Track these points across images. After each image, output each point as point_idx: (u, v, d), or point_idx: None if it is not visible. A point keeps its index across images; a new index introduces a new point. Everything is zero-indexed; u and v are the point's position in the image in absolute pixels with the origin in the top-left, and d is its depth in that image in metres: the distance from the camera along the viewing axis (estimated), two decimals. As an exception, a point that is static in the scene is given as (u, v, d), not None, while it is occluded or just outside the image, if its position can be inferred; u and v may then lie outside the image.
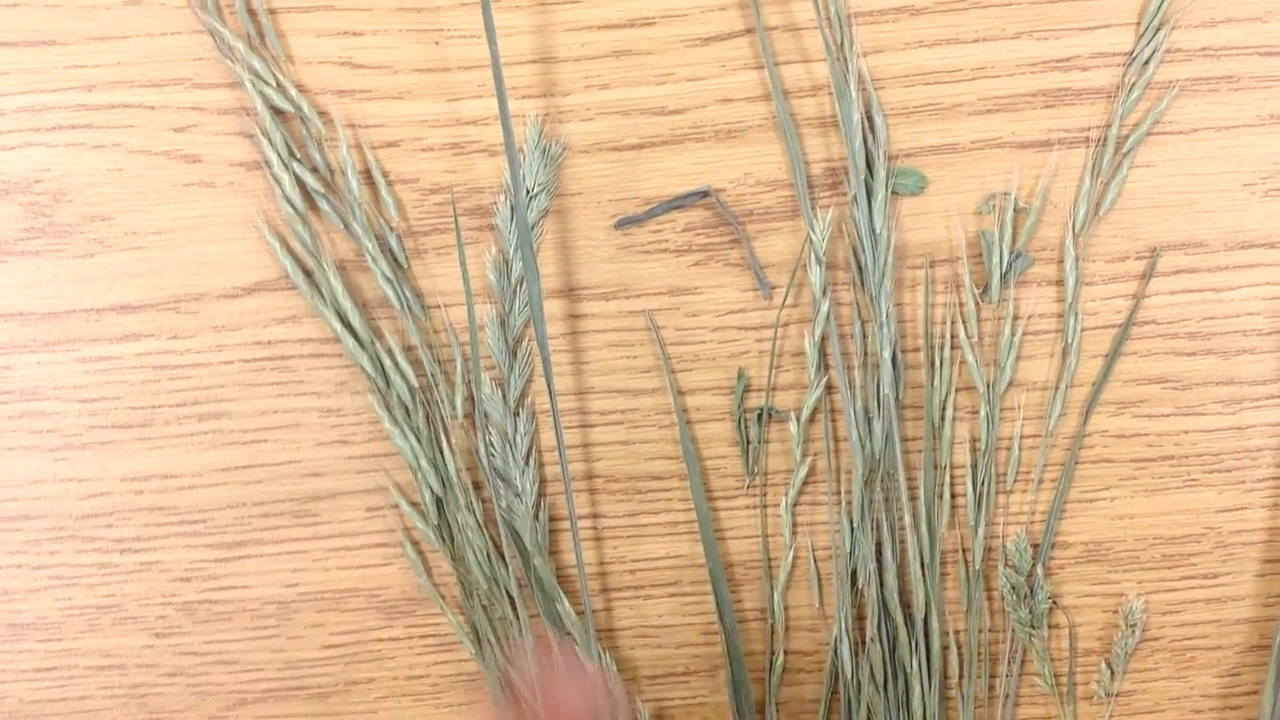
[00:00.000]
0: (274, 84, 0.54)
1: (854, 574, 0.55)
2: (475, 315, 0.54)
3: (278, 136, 0.54)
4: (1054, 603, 0.56)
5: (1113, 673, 0.56)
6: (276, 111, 0.54)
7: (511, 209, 0.54)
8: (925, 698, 0.55)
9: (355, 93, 0.55)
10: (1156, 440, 0.56)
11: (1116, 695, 0.57)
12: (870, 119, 0.55)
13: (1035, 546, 0.55)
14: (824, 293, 0.55)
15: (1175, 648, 0.56)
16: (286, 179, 0.54)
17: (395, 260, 0.55)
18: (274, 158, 0.54)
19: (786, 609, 0.57)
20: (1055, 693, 0.56)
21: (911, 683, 0.55)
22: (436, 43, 0.55)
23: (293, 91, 0.54)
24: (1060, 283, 0.55)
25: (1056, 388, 0.55)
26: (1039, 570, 0.55)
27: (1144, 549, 0.56)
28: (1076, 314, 0.55)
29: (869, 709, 0.55)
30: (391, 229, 0.55)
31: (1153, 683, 0.57)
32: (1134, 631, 0.55)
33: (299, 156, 0.54)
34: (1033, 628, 0.55)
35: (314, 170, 0.54)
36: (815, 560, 0.56)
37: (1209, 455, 0.56)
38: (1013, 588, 0.55)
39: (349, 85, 0.55)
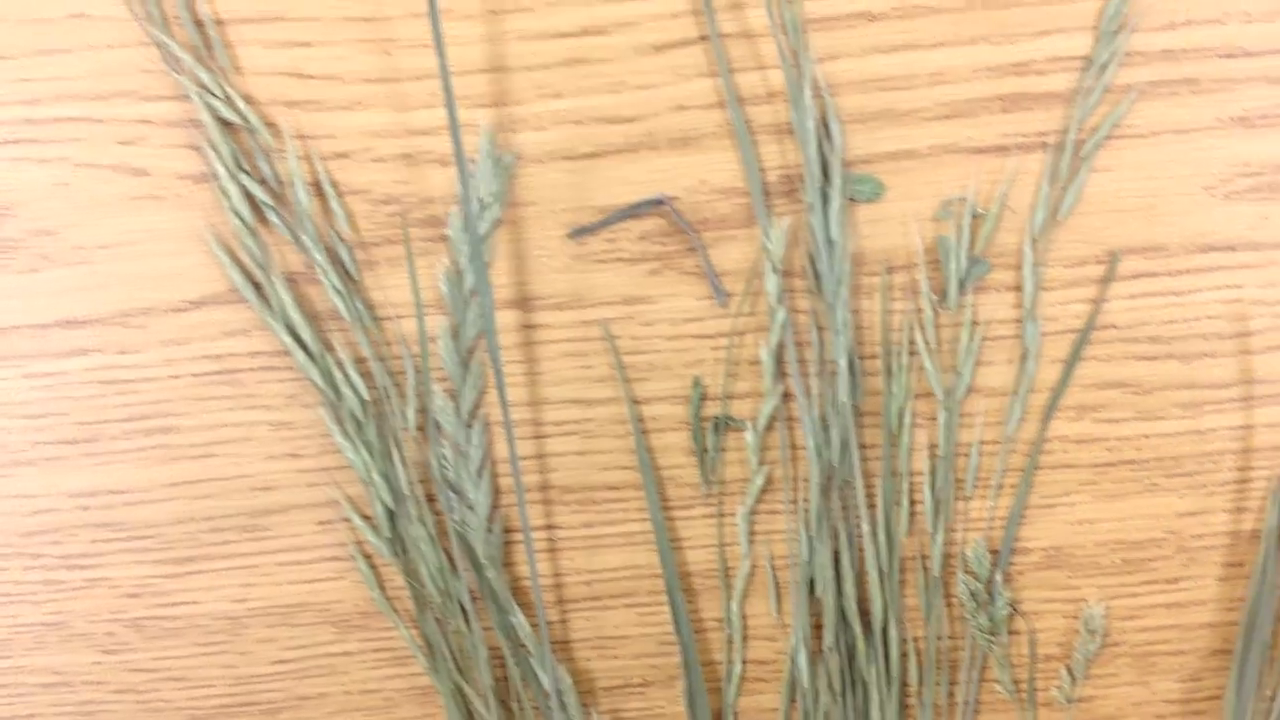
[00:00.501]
0: (221, 96, 0.63)
1: (812, 583, 0.65)
2: (427, 327, 0.64)
3: (225, 149, 0.63)
4: (1013, 609, 0.65)
5: (1073, 678, 0.65)
6: (224, 123, 0.63)
7: (464, 220, 0.63)
8: (884, 706, 0.65)
9: (304, 104, 0.64)
10: (1117, 445, 0.65)
11: (1077, 701, 0.66)
12: (826, 126, 0.64)
13: (994, 553, 0.65)
14: (780, 300, 0.64)
15: (1137, 653, 0.66)
16: (234, 191, 0.63)
17: (346, 272, 0.64)
18: (222, 170, 0.63)
19: (744, 618, 0.66)
20: (1015, 699, 0.66)
21: (870, 691, 0.65)
22: (387, 53, 0.64)
23: (240, 103, 0.63)
24: (1019, 288, 0.65)
25: (1015, 393, 0.65)
26: (998, 577, 0.65)
27: (1105, 554, 0.66)
28: (1035, 319, 0.64)
29: (827, 718, 0.65)
30: (342, 240, 0.64)
31: (1114, 688, 0.66)
32: (1094, 637, 0.65)
33: (247, 169, 0.63)
34: (992, 634, 0.64)
35: (262, 182, 0.63)
36: (773, 569, 0.66)
37: (1170, 459, 0.65)
38: (972, 594, 0.64)
39: (298, 96, 0.64)
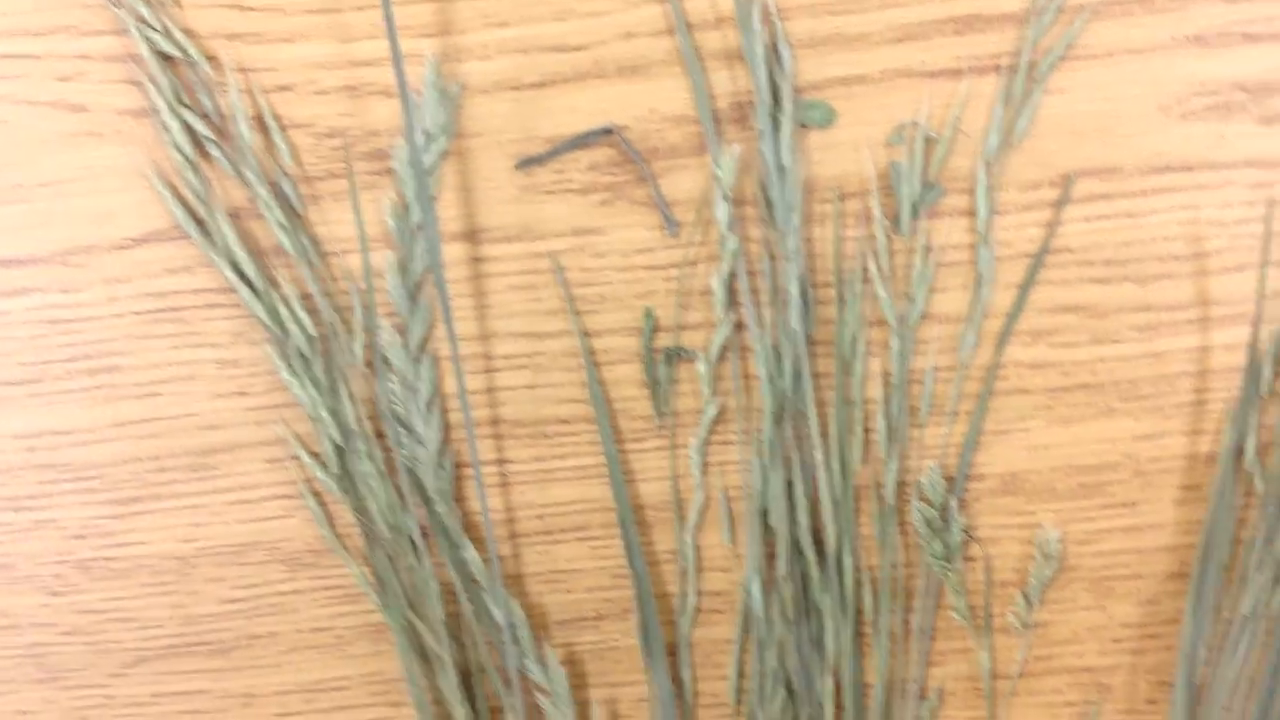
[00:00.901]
0: (161, 29, 0.70)
1: (765, 512, 0.73)
2: (371, 261, 0.71)
3: (165, 83, 0.70)
4: (968, 535, 0.74)
5: (1029, 604, 0.74)
6: (164, 57, 0.70)
7: (409, 152, 0.71)
8: (839, 635, 0.74)
9: (245, 36, 0.71)
10: (1072, 369, 0.73)
11: (1034, 627, 0.75)
12: (776, 51, 0.71)
13: (949, 479, 0.74)
14: (731, 229, 0.72)
15: (1093, 577, 0.75)
16: (175, 126, 0.70)
17: (290, 207, 0.72)
18: (162, 105, 0.70)
19: (698, 550, 0.75)
20: (971, 626, 0.75)
21: (825, 620, 0.73)
22: (326, -20, 0.71)
23: (180, 36, 0.70)
24: (973, 213, 0.73)
25: (970, 319, 0.73)
26: (952, 503, 0.73)
27: (1060, 479, 0.74)
28: (989, 244, 0.72)
29: (781, 647, 0.74)
30: (286, 175, 0.72)
31: (1071, 613, 0.75)
32: (1050, 562, 0.73)
33: (188, 103, 0.71)
34: (947, 561, 0.73)
35: (204, 117, 0.71)
36: (726, 500, 0.74)
37: (1125, 383, 0.73)
38: (926, 521, 0.73)
39: (239, 28, 0.71)
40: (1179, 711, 0.68)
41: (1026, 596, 0.70)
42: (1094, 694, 0.72)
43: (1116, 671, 0.72)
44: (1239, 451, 0.69)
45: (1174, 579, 0.71)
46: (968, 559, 0.71)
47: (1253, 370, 0.68)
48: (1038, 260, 0.68)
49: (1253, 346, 0.68)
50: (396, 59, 0.64)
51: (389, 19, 0.64)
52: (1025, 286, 0.69)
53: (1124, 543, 0.71)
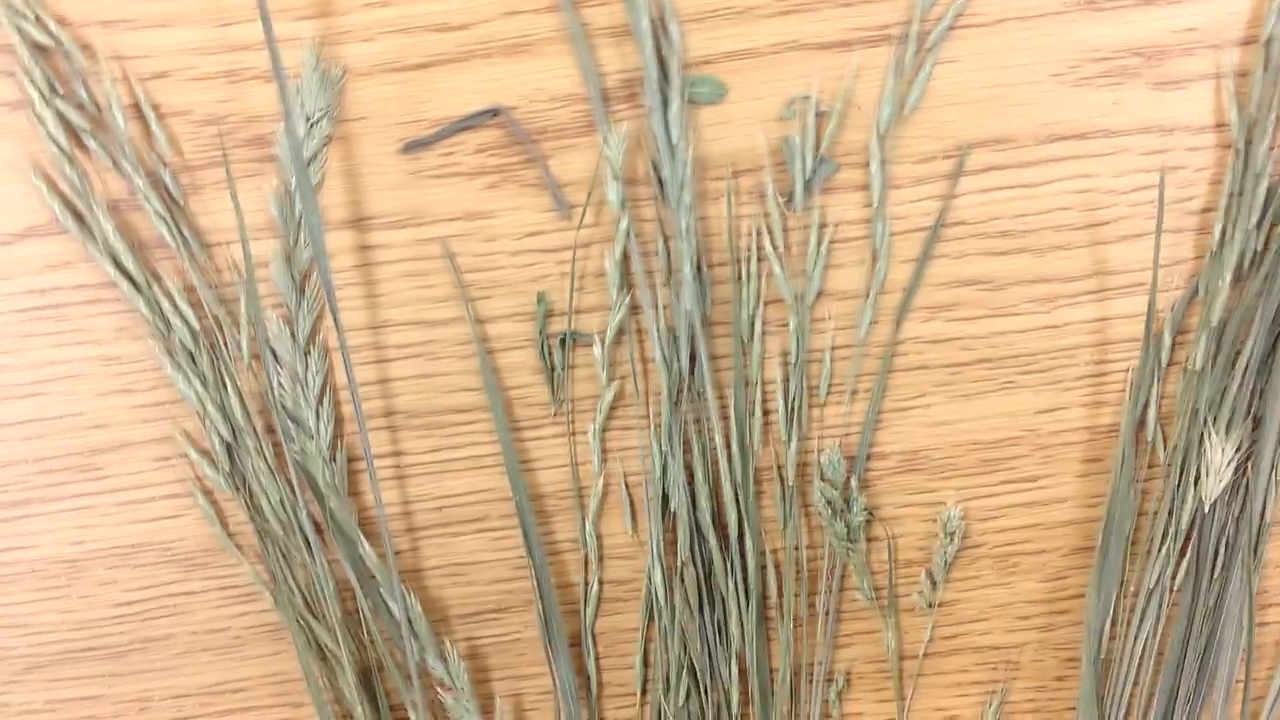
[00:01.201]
0: (32, 18, 0.68)
1: (666, 498, 0.72)
2: (256, 251, 0.70)
3: (38, 73, 0.68)
4: (871, 515, 0.73)
5: (934, 583, 0.73)
6: (37, 47, 0.68)
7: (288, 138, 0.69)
8: (743, 620, 0.72)
9: (120, 22, 0.69)
10: (970, 344, 0.72)
11: (939, 605, 0.74)
12: (664, 26, 0.70)
13: (850, 459, 0.73)
14: (623, 209, 0.70)
15: (998, 554, 0.74)
16: (50, 117, 0.68)
17: (170, 197, 0.70)
18: (36, 96, 0.68)
19: (600, 538, 0.73)
20: (876, 607, 0.74)
21: (729, 605, 0.72)
22: (200, -36, 0.70)
23: (52, 25, 0.68)
24: (867, 186, 0.72)
25: (866, 295, 0.72)
26: (854, 483, 0.72)
27: (962, 455, 0.73)
28: (884, 218, 0.71)
29: (685, 634, 0.72)
30: (165, 164, 0.70)
31: (976, 590, 0.74)
32: (953, 540, 0.72)
33: (62, 93, 0.69)
34: (850, 542, 0.72)
35: (79, 107, 0.69)
36: (627, 486, 0.73)
37: (1025, 356, 0.73)
38: (828, 502, 0.72)
39: (113, 15, 0.69)
40: (1086, 687, 0.67)
41: (931, 575, 0.69)
42: (1002, 672, 0.71)
43: (1025, 649, 0.71)
44: (1140, 423, 0.67)
45: (1079, 554, 0.70)
46: (871, 539, 0.70)
47: (1152, 339, 0.67)
48: (933, 233, 0.68)
49: (1149, 316, 0.66)
50: (271, 43, 0.63)
51: (262, 1, 0.62)
52: (922, 261, 0.68)
53: (1027, 518, 0.70)
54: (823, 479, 0.68)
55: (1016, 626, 0.71)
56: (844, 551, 0.68)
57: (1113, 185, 0.67)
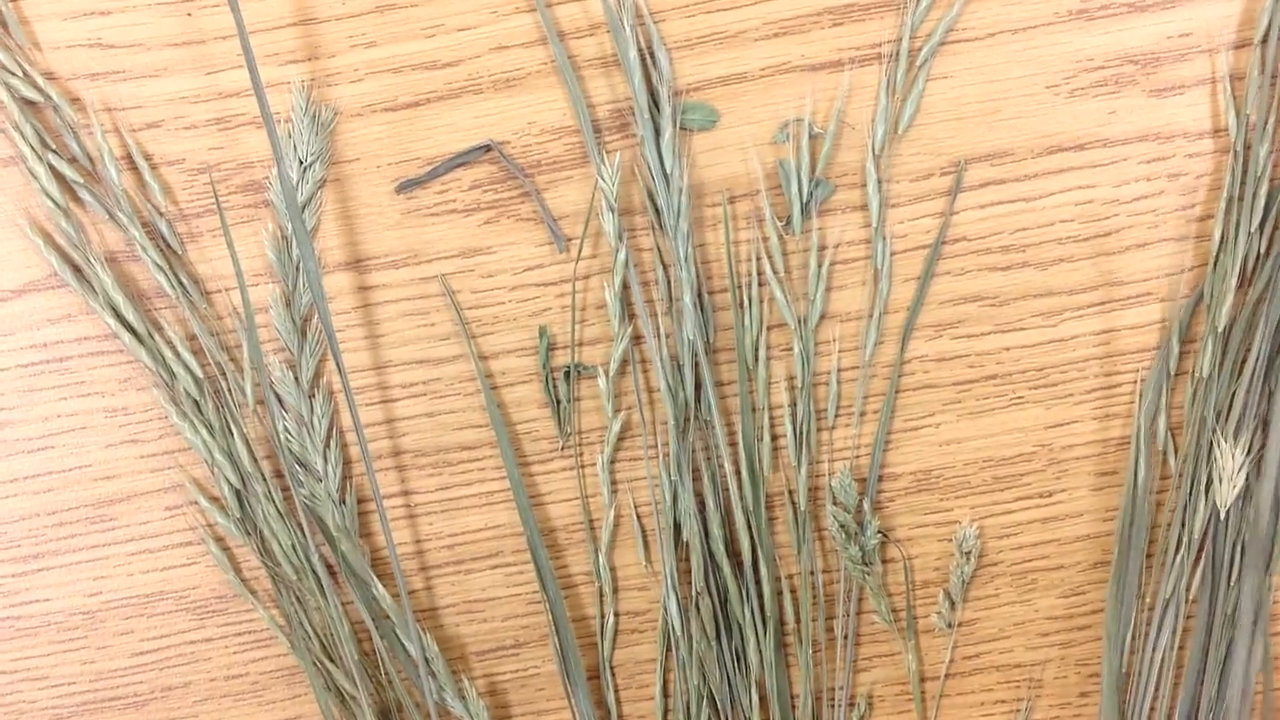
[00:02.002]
0: (20, 74, 0.68)
1: (678, 527, 0.71)
2: (251, 297, 0.67)
3: (29, 129, 0.68)
4: (884, 537, 0.72)
5: (952, 603, 0.72)
6: (26, 102, 0.68)
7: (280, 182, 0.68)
8: (761, 646, 0.71)
9: (108, 75, 0.69)
10: (978, 361, 0.71)
11: (958, 626, 0.73)
12: (652, 54, 0.69)
13: (861, 481, 0.71)
14: (620, 239, 0.69)
15: (1015, 571, 0.72)
16: (43, 172, 0.68)
17: (168, 247, 0.70)
18: (28, 151, 0.68)
19: (613, 570, 0.72)
20: (894, 629, 0.72)
21: (745, 633, 0.71)
22: (189, 14, 0.69)
23: (40, 80, 0.68)
24: (864, 207, 0.71)
25: (870, 316, 0.71)
26: (866, 505, 0.71)
27: (974, 473, 0.72)
28: (884, 237, 0.70)
29: (703, 664, 0.71)
30: (161, 214, 0.69)
31: (995, 609, 0.73)
32: (969, 559, 0.71)
33: (54, 147, 0.69)
34: (865, 565, 0.71)
35: (72, 160, 0.68)
36: (638, 516, 0.72)
37: (1033, 371, 0.71)
38: (841, 526, 0.70)
39: (101, 67, 0.69)
40: (1108, 701, 0.66)
41: (949, 595, 0.68)
42: (1025, 690, 0.69)
43: (1046, 666, 0.70)
44: (1151, 433, 0.66)
45: (1097, 568, 0.69)
46: (887, 561, 0.68)
47: (1163, 349, 0.66)
48: (934, 251, 0.66)
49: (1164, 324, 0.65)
50: (258, 88, 0.62)
51: (246, 47, 0.62)
52: (924, 279, 0.67)
53: (1043, 534, 0.68)
54: (835, 503, 0.67)
55: (1037, 644, 0.70)
56: (859, 575, 0.67)
57: (1113, 195, 0.66)
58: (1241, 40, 0.65)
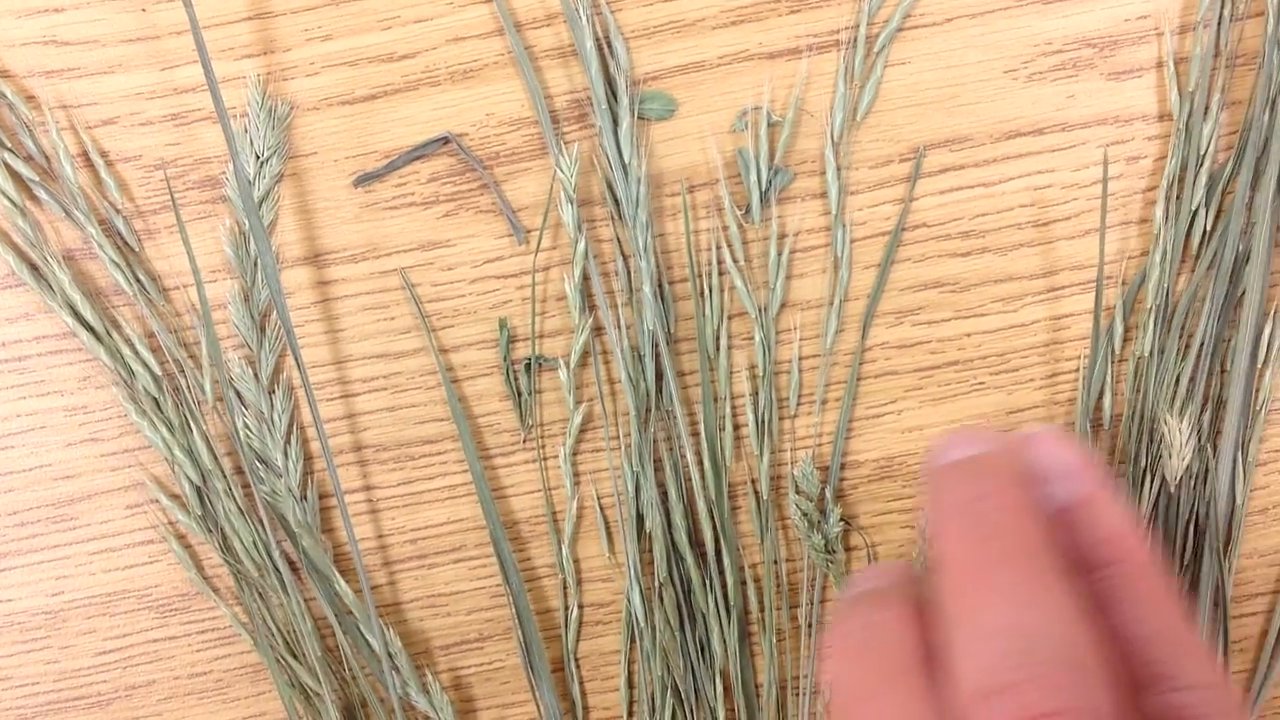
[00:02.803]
0: (-28, 72, 0.67)
1: (640, 518, 0.71)
2: (209, 293, 0.67)
3: (-17, 127, 0.67)
4: (847, 524, 0.71)
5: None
6: (-21, 101, 0.68)
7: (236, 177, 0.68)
8: (725, 636, 0.71)
9: (63, 72, 0.68)
10: (939, 347, 0.71)
11: (923, 613, 0.72)
12: (609, 44, 0.69)
13: (824, 469, 0.71)
14: (580, 230, 0.69)
15: (979, 558, 0.72)
16: (-2, 171, 0.67)
17: (125, 244, 0.69)
18: (-18, 150, 0.67)
19: (577, 562, 0.72)
20: (858, 617, 0.72)
21: (710, 623, 0.71)
22: (143, 9, 0.68)
23: (-7, 78, 0.67)
24: (824, 194, 0.70)
25: (830, 304, 0.70)
26: (828, 494, 0.70)
27: (937, 460, 0.71)
28: (844, 225, 0.69)
29: (666, 654, 0.71)
30: (117, 211, 0.69)
31: (960, 596, 0.72)
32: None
33: (9, 145, 0.68)
34: (829, 553, 0.70)
35: (27, 159, 0.68)
36: (601, 508, 0.71)
37: (994, 356, 0.71)
38: (804, 514, 0.70)
39: (55, 64, 0.68)
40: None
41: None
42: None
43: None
44: (1097, 413, 0.66)
45: (1062, 551, 0.67)
46: (850, 549, 0.68)
47: (1104, 330, 0.66)
48: (894, 238, 0.66)
49: (1096, 305, 0.66)
50: (212, 83, 0.61)
51: (200, 42, 0.61)
52: (885, 265, 0.66)
53: (1008, 518, 0.67)
54: (797, 492, 0.66)
55: (1001, 629, 0.68)
56: (823, 564, 0.66)
57: (1072, 180, 0.66)
58: (1187, 24, 0.64)
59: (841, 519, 0.67)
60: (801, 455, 0.67)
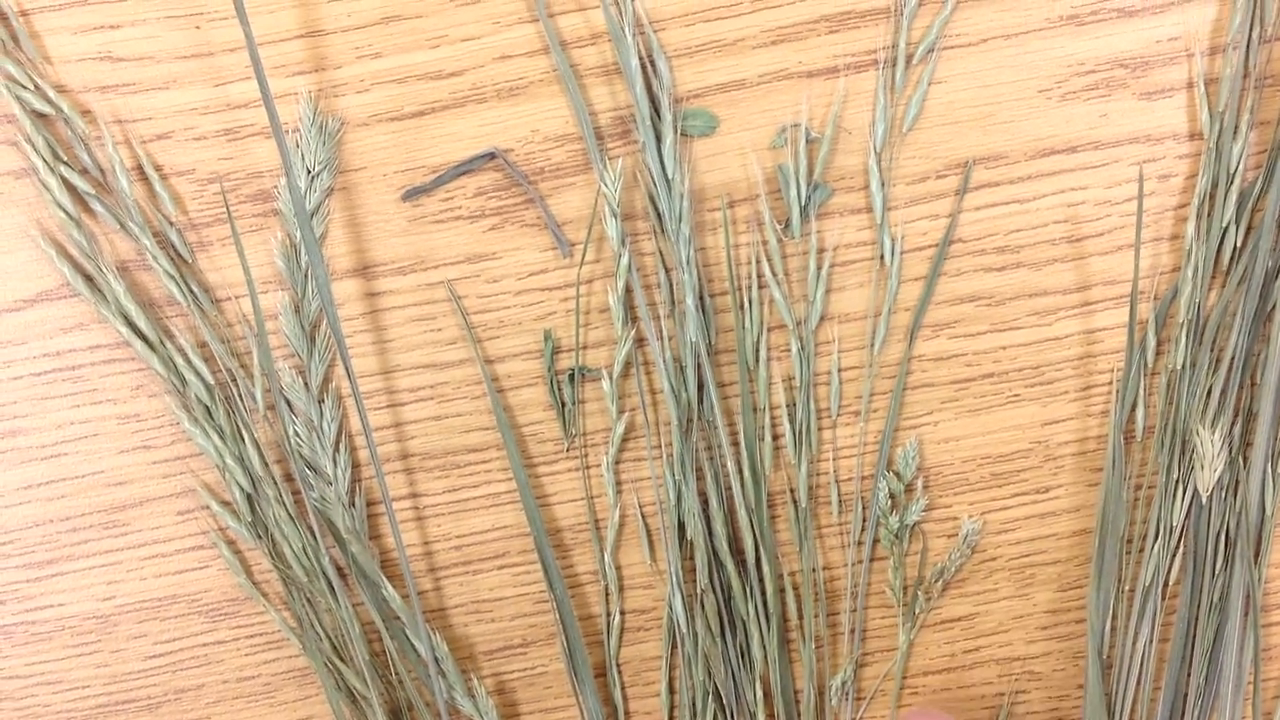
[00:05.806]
0: (32, 87, 0.68)
1: (682, 526, 0.71)
2: (261, 304, 0.68)
3: (41, 141, 0.68)
4: (929, 510, 0.71)
5: (941, 581, 0.72)
6: (38, 115, 0.68)
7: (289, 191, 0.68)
8: (765, 642, 0.71)
9: (118, 87, 0.69)
10: (975, 359, 0.71)
11: (960, 620, 0.73)
12: (652, 62, 0.70)
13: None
14: (623, 244, 0.69)
15: (1013, 566, 0.72)
16: (55, 184, 0.68)
17: (179, 256, 0.70)
18: (40, 163, 0.68)
19: (619, 569, 0.72)
20: (902, 607, 0.72)
21: (750, 629, 0.71)
22: (197, 27, 0.69)
23: (51, 93, 0.68)
24: (862, 210, 0.70)
25: (877, 315, 0.71)
26: (920, 482, 0.70)
27: (972, 470, 0.72)
28: (891, 237, 0.70)
29: (707, 659, 0.71)
30: (171, 224, 0.69)
31: (994, 603, 0.73)
32: (971, 551, 0.71)
33: (66, 159, 0.69)
34: (897, 539, 0.71)
35: (84, 172, 0.68)
36: (643, 516, 0.72)
37: (1029, 369, 0.71)
38: (891, 494, 0.70)
39: (111, 80, 0.69)
40: (1092, 687, 0.66)
41: (942, 573, 0.68)
42: (1024, 683, 0.70)
43: (1045, 659, 0.70)
44: (1130, 425, 0.66)
45: (1091, 562, 0.68)
46: (880, 559, 0.68)
47: (1137, 344, 0.66)
48: (941, 251, 0.67)
49: (1131, 319, 0.67)
50: (268, 99, 0.62)
51: (255, 58, 0.61)
52: (932, 276, 0.67)
53: (1040, 529, 0.69)
54: (890, 470, 0.67)
55: (1036, 637, 0.70)
56: (888, 545, 0.67)
57: (1105, 196, 0.66)
58: (1217, 45, 0.65)
59: (926, 507, 0.68)
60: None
